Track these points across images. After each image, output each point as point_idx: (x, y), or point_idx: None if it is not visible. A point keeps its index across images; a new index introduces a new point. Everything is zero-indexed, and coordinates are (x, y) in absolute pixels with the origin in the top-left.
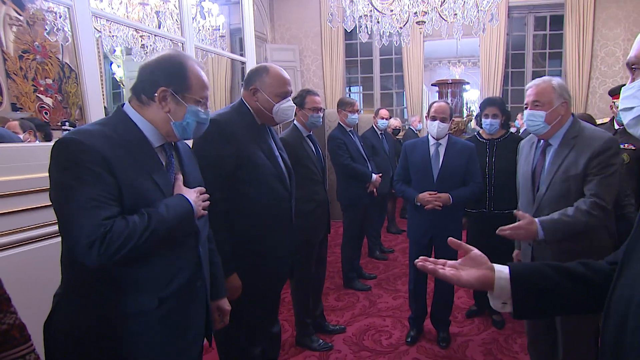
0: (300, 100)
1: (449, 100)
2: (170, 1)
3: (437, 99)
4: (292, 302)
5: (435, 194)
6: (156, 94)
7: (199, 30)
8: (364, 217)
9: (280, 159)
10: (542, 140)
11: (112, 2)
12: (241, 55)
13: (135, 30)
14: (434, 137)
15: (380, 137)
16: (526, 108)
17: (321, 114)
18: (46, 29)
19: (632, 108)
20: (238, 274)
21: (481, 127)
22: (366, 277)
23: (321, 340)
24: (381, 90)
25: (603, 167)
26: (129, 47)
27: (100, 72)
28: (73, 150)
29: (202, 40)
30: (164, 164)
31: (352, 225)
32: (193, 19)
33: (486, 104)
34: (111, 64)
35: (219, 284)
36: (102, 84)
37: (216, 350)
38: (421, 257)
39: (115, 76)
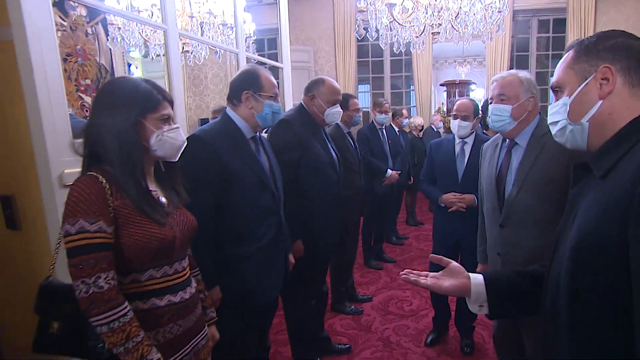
0: (345, 103)
1: (456, 99)
2: (217, 16)
3: (444, 98)
4: (330, 274)
5: (460, 195)
6: (242, 96)
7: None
8: (380, 206)
9: (332, 150)
10: (507, 140)
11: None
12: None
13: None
14: (457, 136)
15: (398, 134)
16: (491, 103)
17: (360, 114)
18: (87, 33)
19: (557, 122)
20: (303, 241)
21: (487, 128)
22: (387, 260)
23: (353, 306)
24: (391, 90)
25: None
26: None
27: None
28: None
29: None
30: (254, 150)
31: (370, 213)
32: (231, 28)
33: (487, 105)
34: (130, 65)
35: (293, 231)
36: None
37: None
38: (405, 270)
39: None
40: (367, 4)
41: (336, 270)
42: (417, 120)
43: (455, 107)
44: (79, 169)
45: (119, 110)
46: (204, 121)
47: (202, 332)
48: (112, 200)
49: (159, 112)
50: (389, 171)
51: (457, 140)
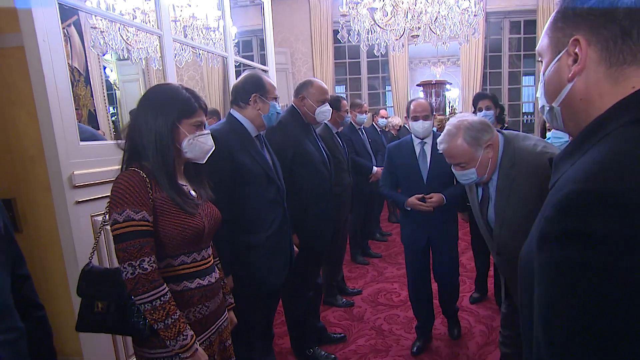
0: (336, 104)
1: (433, 100)
2: (199, 18)
3: (421, 97)
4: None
5: (425, 196)
6: (250, 99)
7: (219, 39)
8: (367, 204)
9: (322, 149)
10: None
11: (148, 18)
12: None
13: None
14: (419, 137)
15: (380, 134)
16: (453, 168)
17: (349, 115)
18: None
19: (542, 107)
20: (298, 235)
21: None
22: (373, 255)
23: (344, 299)
24: (369, 90)
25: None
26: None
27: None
28: None
29: (222, 48)
30: (258, 146)
31: (357, 211)
32: (214, 30)
33: (479, 97)
34: (105, 68)
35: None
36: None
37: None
38: None
39: (109, 79)
40: (349, 9)
41: (327, 265)
42: (395, 120)
43: (413, 109)
44: (87, 170)
45: (159, 114)
46: None
47: (224, 315)
48: (152, 193)
49: (193, 118)
50: (374, 168)
51: (417, 141)
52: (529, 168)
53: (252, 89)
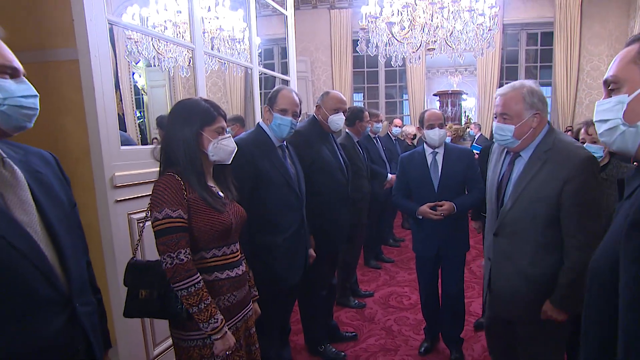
0: (360, 114)
1: (449, 109)
2: (225, 30)
3: (438, 108)
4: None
5: (437, 204)
6: (264, 111)
7: (244, 50)
8: (381, 210)
9: (340, 156)
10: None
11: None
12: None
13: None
14: (433, 146)
15: (394, 142)
16: (495, 118)
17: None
18: None
19: (607, 120)
20: (314, 237)
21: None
22: (385, 260)
23: (357, 301)
24: (385, 99)
25: (580, 197)
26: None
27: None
28: None
29: (246, 59)
30: (281, 157)
31: (372, 216)
32: (239, 42)
33: None
34: (133, 74)
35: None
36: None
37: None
38: None
39: (137, 84)
40: (368, 22)
41: (342, 267)
42: (409, 129)
43: (427, 118)
44: (127, 172)
45: (184, 124)
46: None
47: (249, 305)
48: (186, 194)
49: (214, 125)
50: (389, 175)
51: (429, 151)
52: (563, 157)
53: (267, 101)
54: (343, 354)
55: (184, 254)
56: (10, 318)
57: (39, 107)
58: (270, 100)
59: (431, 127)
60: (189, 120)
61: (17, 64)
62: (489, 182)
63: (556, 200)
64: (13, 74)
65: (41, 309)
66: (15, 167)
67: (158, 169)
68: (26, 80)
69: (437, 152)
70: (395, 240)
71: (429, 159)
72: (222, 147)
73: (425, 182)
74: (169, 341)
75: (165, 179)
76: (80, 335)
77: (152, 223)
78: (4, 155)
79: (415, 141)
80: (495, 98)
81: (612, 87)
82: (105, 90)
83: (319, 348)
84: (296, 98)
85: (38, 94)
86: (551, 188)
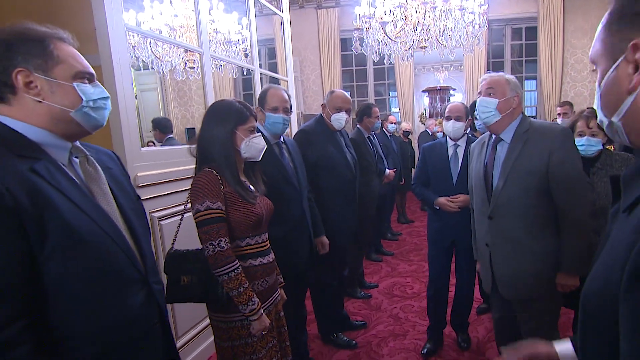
0: (368, 111)
1: (438, 105)
2: (220, 32)
3: (425, 104)
4: None
5: (455, 196)
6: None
7: (239, 52)
8: (379, 205)
9: (347, 153)
10: (492, 137)
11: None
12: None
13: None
14: (451, 138)
15: (390, 138)
16: (479, 96)
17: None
18: None
19: (601, 121)
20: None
21: (475, 130)
22: (385, 253)
23: (362, 292)
24: (375, 97)
25: (567, 165)
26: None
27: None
28: None
29: (241, 60)
30: (277, 153)
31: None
32: (236, 44)
33: (475, 105)
34: None
35: (319, 226)
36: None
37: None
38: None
39: None
40: (362, 22)
41: (351, 259)
42: (405, 125)
43: (448, 109)
44: (148, 172)
45: (220, 124)
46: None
47: (278, 290)
48: (223, 187)
49: (247, 124)
50: (387, 170)
51: (450, 143)
52: (542, 132)
53: (258, 102)
54: (354, 342)
55: (224, 242)
56: (107, 293)
57: (110, 107)
58: (260, 101)
59: (448, 119)
60: (225, 120)
61: (92, 69)
62: (474, 173)
63: (545, 171)
64: (90, 78)
65: (127, 286)
66: (96, 164)
67: (171, 169)
68: (99, 83)
69: (458, 145)
70: (393, 234)
71: (450, 151)
72: (254, 145)
73: (444, 174)
74: (191, 333)
75: (204, 174)
76: (156, 310)
77: (193, 214)
78: (88, 153)
79: (410, 137)
80: (481, 82)
81: (594, 68)
82: (127, 94)
83: (331, 336)
84: (285, 95)
85: (109, 95)
86: (538, 159)
